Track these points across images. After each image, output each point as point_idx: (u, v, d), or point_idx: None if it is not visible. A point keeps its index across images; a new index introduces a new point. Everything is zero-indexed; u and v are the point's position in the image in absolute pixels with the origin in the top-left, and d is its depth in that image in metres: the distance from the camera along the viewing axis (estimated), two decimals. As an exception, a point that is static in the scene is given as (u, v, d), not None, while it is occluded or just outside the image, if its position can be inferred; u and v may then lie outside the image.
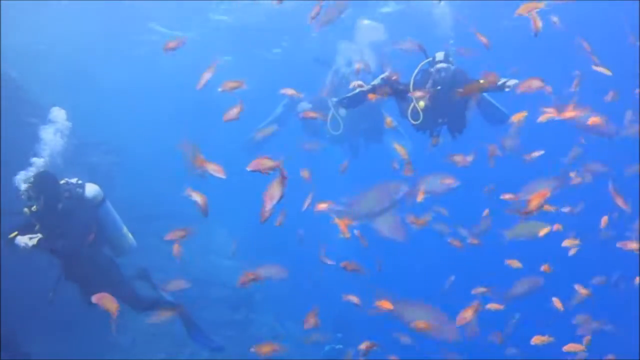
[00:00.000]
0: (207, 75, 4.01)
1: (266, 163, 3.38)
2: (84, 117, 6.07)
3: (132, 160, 11.13)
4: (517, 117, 4.32)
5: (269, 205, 3.06)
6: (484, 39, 4.42)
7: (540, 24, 4.28)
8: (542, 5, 4.14)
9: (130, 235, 5.02)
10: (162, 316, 4.03)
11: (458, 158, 4.45)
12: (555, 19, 4.69)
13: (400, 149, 4.36)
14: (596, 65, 4.63)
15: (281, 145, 6.34)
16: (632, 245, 4.53)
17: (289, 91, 5.47)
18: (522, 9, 4.20)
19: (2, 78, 7.29)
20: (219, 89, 4.05)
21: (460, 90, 4.35)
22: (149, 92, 15.64)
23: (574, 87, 5.25)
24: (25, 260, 5.95)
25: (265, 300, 10.23)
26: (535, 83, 3.83)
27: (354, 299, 4.76)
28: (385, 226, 2.49)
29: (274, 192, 3.09)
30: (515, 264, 4.77)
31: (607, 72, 4.64)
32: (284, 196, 3.10)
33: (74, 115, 5.17)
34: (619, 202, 4.27)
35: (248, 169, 3.38)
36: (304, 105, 5.60)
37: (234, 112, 3.93)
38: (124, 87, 15.28)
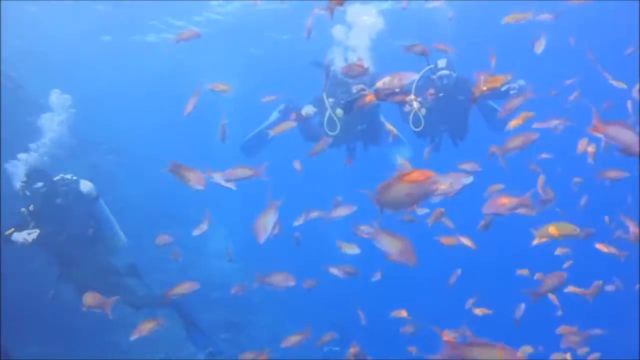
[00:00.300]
0: (193, 101, 4.00)
1: (241, 173, 3.30)
2: (85, 117, 6.06)
3: (133, 160, 11.12)
4: (514, 124, 4.32)
5: (262, 238, 2.95)
6: (493, 59, 4.38)
7: (542, 47, 4.30)
8: (531, 14, 4.17)
9: (122, 233, 5.03)
10: (154, 324, 4.00)
11: (466, 166, 4.44)
12: (547, 15, 4.70)
13: (403, 162, 4.34)
14: (613, 80, 4.63)
15: (279, 151, 6.30)
16: (609, 249, 4.48)
17: (270, 98, 5.47)
18: (510, 18, 4.22)
19: (2, 77, 7.28)
20: (208, 87, 4.03)
21: (463, 97, 4.32)
22: (150, 92, 15.63)
23: (575, 96, 5.24)
24: (22, 262, 5.95)
25: (264, 302, 10.19)
26: (516, 102, 3.84)
27: (360, 314, 4.76)
28: (395, 250, 2.42)
29: (267, 222, 2.96)
30: (526, 272, 4.72)
31: (622, 86, 4.63)
32: (276, 225, 2.98)
33: (74, 114, 5.16)
34: (631, 227, 4.19)
35: (224, 178, 3.29)
36: (309, 108, 5.52)
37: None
38: (124, 87, 15.28)
